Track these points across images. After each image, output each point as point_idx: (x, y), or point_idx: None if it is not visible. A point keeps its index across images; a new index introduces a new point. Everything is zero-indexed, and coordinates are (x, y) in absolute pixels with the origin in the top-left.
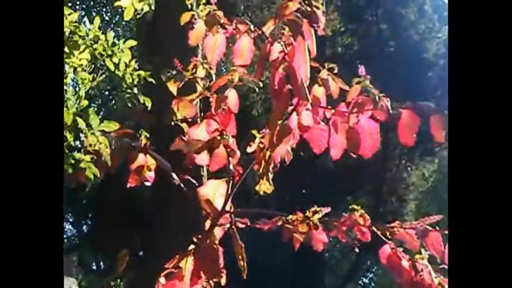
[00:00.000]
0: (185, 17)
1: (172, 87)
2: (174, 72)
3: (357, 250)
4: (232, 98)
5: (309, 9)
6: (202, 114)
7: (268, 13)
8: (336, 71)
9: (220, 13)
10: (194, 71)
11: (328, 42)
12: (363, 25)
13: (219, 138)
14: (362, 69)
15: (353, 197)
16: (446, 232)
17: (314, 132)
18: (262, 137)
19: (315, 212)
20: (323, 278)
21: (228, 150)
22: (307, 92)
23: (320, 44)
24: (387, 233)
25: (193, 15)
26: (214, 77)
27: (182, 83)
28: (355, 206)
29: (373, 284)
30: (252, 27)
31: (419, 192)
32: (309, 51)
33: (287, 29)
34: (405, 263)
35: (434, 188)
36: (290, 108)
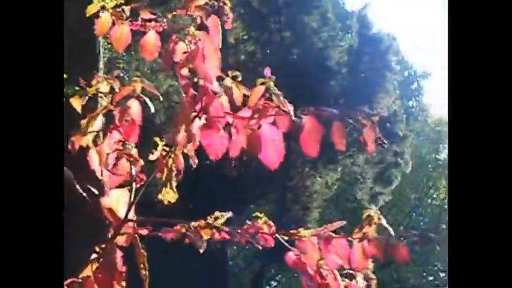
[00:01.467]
0: (91, 9)
1: (76, 104)
2: (77, 88)
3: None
4: (135, 108)
5: (216, 3)
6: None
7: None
8: (239, 79)
9: (127, 8)
10: (97, 86)
11: (231, 50)
12: (266, 33)
13: (121, 148)
14: (267, 71)
15: (256, 205)
16: (350, 238)
17: (213, 138)
18: (164, 144)
19: (216, 218)
20: (227, 287)
21: (131, 159)
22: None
23: (223, 52)
24: (292, 240)
25: (102, 6)
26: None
27: (86, 98)
28: (258, 214)
29: None
30: (159, 20)
31: (323, 200)
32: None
33: (192, 28)
34: (311, 269)
35: (337, 196)
36: (193, 114)
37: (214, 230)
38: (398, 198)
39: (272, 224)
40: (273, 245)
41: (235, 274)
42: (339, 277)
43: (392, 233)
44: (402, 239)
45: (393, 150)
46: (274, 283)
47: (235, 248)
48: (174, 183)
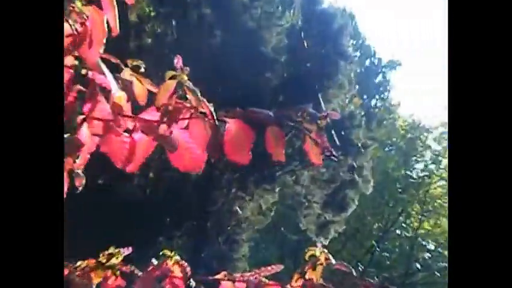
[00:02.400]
0: None
1: None
2: None
3: None
4: None
5: None
6: None
7: None
8: (143, 69)
9: None
10: None
11: (133, 31)
12: (180, 9)
13: None
14: (178, 60)
15: (166, 237)
16: (289, 286)
17: (115, 146)
18: None
19: (111, 255)
20: None
21: None
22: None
23: (121, 35)
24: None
25: None
26: None
27: None
28: (167, 251)
29: None
30: None
31: (255, 231)
32: (109, 30)
33: (78, 3)
34: None
35: (275, 226)
36: (80, 117)
37: (108, 272)
38: (356, 228)
39: (186, 264)
40: None
41: None
42: None
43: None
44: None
45: (348, 165)
46: None
47: None
48: None
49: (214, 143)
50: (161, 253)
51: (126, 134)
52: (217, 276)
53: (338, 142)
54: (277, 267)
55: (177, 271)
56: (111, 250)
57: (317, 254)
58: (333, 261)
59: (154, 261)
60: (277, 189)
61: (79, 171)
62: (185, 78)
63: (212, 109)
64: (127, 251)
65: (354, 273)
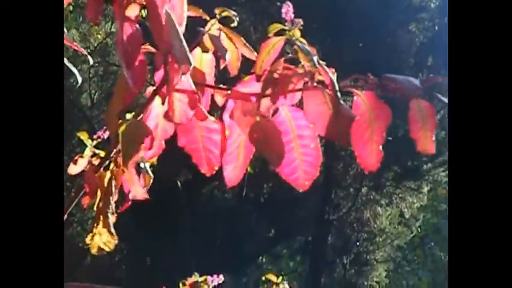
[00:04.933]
0: None
1: None
2: None
3: None
4: None
5: None
6: None
7: None
8: (236, 23)
9: None
10: None
11: None
12: None
13: None
14: (287, 8)
15: (271, 255)
16: None
17: (196, 134)
18: (96, 146)
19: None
20: None
21: None
22: (188, 52)
23: None
24: None
25: None
26: None
27: None
28: (272, 276)
29: None
30: None
31: (395, 248)
32: None
33: None
34: None
35: (423, 240)
36: (149, 90)
37: None
38: None
39: None
40: None
41: None
42: None
43: None
44: None
45: None
46: None
47: None
48: (112, 219)
49: (339, 125)
50: (264, 277)
51: (212, 118)
52: None
53: None
54: None
55: None
56: (195, 278)
57: None
58: None
59: None
60: (425, 189)
61: (146, 166)
62: (298, 34)
63: (334, 77)
64: (217, 279)
65: None
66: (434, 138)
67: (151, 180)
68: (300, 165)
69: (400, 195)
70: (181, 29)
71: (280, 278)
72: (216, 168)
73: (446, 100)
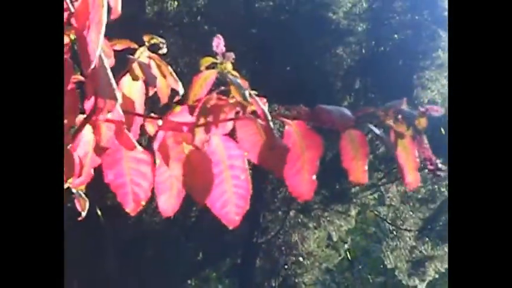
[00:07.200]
0: None
1: None
2: None
3: None
4: None
5: None
6: None
7: None
8: (164, 49)
9: None
10: None
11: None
12: None
13: None
14: (217, 41)
15: (200, 279)
16: None
17: (124, 166)
18: None
19: None
20: None
21: None
22: (115, 85)
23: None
24: None
25: None
26: None
27: None
28: None
29: None
30: None
31: (323, 271)
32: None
33: None
34: None
35: (351, 263)
36: (80, 117)
37: None
38: None
39: None
40: None
41: None
42: None
43: None
44: None
45: None
46: None
47: None
48: None
49: (274, 157)
50: None
51: (140, 148)
52: None
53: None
54: None
55: None
56: None
57: None
58: None
59: None
60: (353, 212)
61: (80, 192)
62: (230, 67)
63: (265, 107)
64: None
65: None
66: (366, 167)
67: (87, 204)
68: (231, 198)
69: (328, 218)
70: (109, 61)
71: None
72: (143, 203)
73: (377, 131)
